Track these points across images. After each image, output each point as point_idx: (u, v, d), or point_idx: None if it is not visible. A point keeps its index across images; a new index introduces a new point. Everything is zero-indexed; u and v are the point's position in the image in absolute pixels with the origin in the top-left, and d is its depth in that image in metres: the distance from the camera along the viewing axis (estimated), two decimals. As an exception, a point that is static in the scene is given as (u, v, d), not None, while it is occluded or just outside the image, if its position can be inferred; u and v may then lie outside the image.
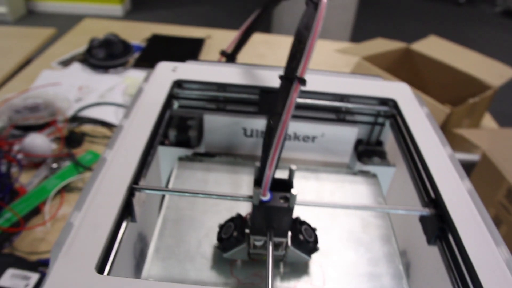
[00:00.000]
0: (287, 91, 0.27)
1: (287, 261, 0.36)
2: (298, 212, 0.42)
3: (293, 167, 0.32)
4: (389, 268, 0.38)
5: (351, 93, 0.48)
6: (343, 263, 0.38)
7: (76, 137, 0.79)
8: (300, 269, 0.37)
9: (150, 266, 0.37)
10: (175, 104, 0.50)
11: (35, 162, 0.72)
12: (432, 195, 0.35)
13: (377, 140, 0.53)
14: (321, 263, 0.38)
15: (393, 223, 0.43)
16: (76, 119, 0.84)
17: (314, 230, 0.36)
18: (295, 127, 0.50)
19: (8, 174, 0.68)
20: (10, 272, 0.54)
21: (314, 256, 0.37)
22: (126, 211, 0.32)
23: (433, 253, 0.34)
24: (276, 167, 0.30)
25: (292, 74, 0.28)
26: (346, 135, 0.50)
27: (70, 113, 0.85)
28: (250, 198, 0.31)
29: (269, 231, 0.32)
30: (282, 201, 0.31)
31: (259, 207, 0.31)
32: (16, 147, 0.73)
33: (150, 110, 0.42)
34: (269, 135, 0.29)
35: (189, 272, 0.36)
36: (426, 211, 0.34)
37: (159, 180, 0.51)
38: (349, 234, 0.41)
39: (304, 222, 0.36)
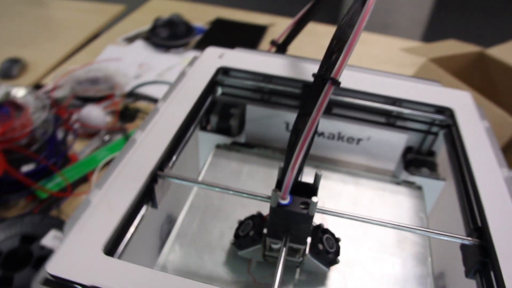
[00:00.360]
0: (318, 91, 0.25)
1: (304, 269, 0.35)
2: (329, 217, 0.40)
3: (319, 172, 0.29)
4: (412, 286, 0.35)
5: (405, 98, 0.44)
6: (368, 277, 0.36)
7: (130, 112, 0.82)
8: (318, 278, 0.35)
9: (168, 251, 0.37)
10: (219, 91, 0.50)
11: (89, 133, 0.76)
12: (479, 223, 0.31)
13: (429, 150, 0.49)
14: (344, 274, 0.36)
15: (432, 242, 0.39)
16: (132, 95, 0.87)
17: (337, 240, 0.34)
18: (340, 126, 0.47)
19: (64, 141, 0.72)
20: (52, 233, 0.57)
21: (338, 266, 0.35)
22: (147, 197, 0.32)
23: (471, 286, 0.31)
24: (301, 170, 0.28)
25: (326, 74, 0.25)
26: (394, 141, 0.46)
27: (127, 88, 0.88)
28: (268, 199, 0.30)
29: (286, 236, 0.30)
30: (302, 206, 0.29)
31: (276, 210, 0.29)
32: (74, 117, 0.77)
33: (189, 95, 0.41)
34: (295, 134, 0.27)
35: (206, 263, 0.36)
36: (468, 241, 0.30)
37: (197, 164, 0.51)
38: (381, 247, 0.38)
39: (327, 231, 0.34)
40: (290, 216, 0.29)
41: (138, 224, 0.31)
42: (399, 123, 0.47)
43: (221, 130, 0.51)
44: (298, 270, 0.35)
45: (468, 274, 0.30)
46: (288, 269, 0.35)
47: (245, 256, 0.35)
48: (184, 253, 0.36)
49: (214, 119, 0.51)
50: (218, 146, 0.50)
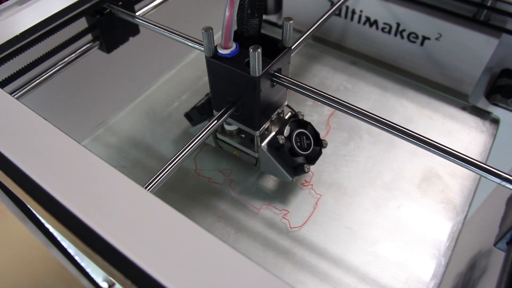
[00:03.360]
0: None
1: (262, 170, 0.25)
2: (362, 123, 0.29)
3: (287, 21, 0.19)
4: (421, 250, 0.23)
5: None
6: (351, 213, 0.25)
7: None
8: (286, 190, 0.25)
9: (124, 114, 0.30)
10: None
11: None
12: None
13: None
14: (324, 195, 0.25)
15: (477, 195, 0.26)
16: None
17: (319, 143, 0.23)
18: (401, 15, 0.33)
19: None
20: None
21: (319, 184, 0.25)
22: (91, 29, 0.24)
23: (498, 260, 0.18)
24: (259, 12, 0.18)
25: None
26: (478, 47, 0.31)
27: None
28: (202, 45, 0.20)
29: (229, 107, 0.21)
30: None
31: (211, 64, 0.19)
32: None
33: None
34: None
35: (153, 135, 0.29)
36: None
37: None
38: (395, 176, 0.27)
39: (305, 125, 0.23)
40: (230, 74, 0.19)
41: (71, 61, 0.24)
42: (494, 20, 0.31)
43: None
44: (261, 177, 0.26)
45: (497, 241, 0.18)
46: (247, 168, 0.26)
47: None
48: (138, 120, 0.29)
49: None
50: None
